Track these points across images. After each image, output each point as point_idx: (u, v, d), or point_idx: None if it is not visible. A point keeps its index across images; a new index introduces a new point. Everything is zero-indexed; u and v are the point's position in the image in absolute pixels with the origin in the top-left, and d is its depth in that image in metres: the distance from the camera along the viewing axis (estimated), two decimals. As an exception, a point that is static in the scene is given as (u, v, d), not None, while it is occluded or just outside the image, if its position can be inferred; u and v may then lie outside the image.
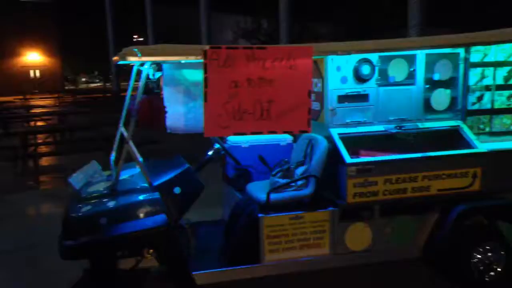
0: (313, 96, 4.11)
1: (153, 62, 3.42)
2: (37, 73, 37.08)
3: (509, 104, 4.03)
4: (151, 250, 3.41)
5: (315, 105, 4.10)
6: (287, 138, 4.58)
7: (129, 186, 3.51)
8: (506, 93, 4.01)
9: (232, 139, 4.52)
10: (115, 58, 3.35)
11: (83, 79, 57.67)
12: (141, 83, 3.37)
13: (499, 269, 3.89)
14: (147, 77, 3.41)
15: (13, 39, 33.60)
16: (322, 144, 3.80)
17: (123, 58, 3.24)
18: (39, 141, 10.70)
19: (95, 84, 52.02)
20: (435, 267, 4.15)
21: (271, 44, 4.23)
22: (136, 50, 3.20)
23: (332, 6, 27.30)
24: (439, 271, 4.12)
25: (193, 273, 3.47)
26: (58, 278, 4.21)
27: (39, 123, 13.04)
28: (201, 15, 18.89)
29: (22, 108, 16.55)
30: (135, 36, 38.01)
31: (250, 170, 4.37)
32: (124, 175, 3.66)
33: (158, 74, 3.48)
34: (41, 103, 22.80)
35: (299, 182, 3.84)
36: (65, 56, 38.20)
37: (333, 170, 3.76)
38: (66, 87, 41.28)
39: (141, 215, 3.30)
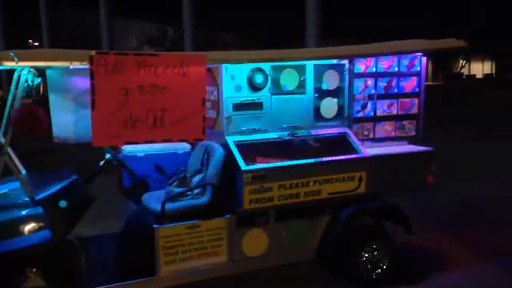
0: (209, 104, 4.14)
1: (33, 68, 3.21)
2: None
3: (389, 112, 4.37)
4: (34, 269, 3.17)
5: (211, 113, 4.12)
6: (184, 146, 4.54)
7: (8, 201, 3.24)
8: (387, 101, 4.35)
9: (128, 148, 4.37)
10: None
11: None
12: (18, 90, 3.15)
13: (385, 267, 4.17)
14: (26, 83, 3.18)
15: None
16: (218, 151, 3.82)
17: None
18: None
19: (-16, 91, 47.63)
20: (327, 267, 4.35)
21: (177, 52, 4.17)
22: (12, 54, 2.98)
23: (238, 16, 27.81)
24: (332, 271, 4.33)
25: (82, 290, 3.29)
26: None
27: None
28: (101, 20, 18.18)
29: None
30: (30, 41, 35.47)
31: (147, 180, 4.26)
32: (3, 189, 3.38)
33: (37, 80, 3.27)
34: None
35: (196, 191, 3.81)
36: None
37: (230, 178, 3.79)
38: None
39: (22, 231, 3.06)
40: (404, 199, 4.38)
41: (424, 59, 4.37)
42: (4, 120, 3.49)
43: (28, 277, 3.20)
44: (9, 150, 3.33)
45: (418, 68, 4.39)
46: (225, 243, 3.76)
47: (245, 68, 3.90)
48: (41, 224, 3.11)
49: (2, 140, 3.22)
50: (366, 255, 4.10)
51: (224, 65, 3.83)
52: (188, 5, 15.43)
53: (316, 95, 4.14)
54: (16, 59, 2.99)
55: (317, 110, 4.16)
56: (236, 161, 3.70)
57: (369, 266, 4.11)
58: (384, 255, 4.16)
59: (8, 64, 3.00)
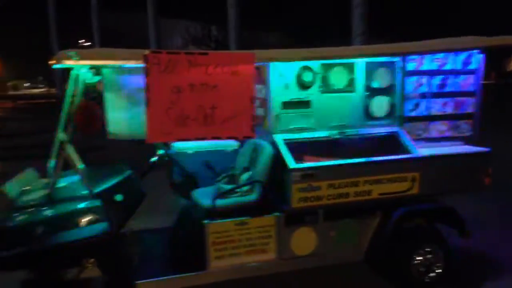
0: (257, 102, 4.16)
1: (91, 66, 3.33)
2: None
3: (444, 111, 4.23)
4: (91, 260, 3.29)
5: (260, 111, 4.14)
6: (233, 144, 4.59)
7: (68, 194, 3.38)
8: (441, 100, 4.22)
9: (178, 145, 4.47)
10: (51, 61, 3.23)
11: (26, 85, 55.33)
12: (78, 88, 3.28)
13: (439, 270, 4.05)
14: (85, 82, 3.31)
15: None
16: (266, 149, 3.83)
17: (59, 62, 3.13)
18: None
19: (39, 90, 50.03)
20: (378, 269, 4.27)
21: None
22: (72, 53, 3.11)
23: (282, 16, 27.79)
24: (382, 274, 4.25)
25: (136, 282, 3.39)
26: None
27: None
28: (149, 20, 18.66)
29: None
30: (81, 41, 36.87)
31: (196, 176, 4.33)
32: (63, 182, 3.53)
33: (96, 78, 3.39)
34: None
35: (245, 188, 3.85)
36: (7, 62, 36.34)
37: (278, 176, 3.79)
38: (11, 93, 39.20)
39: (81, 223, 3.19)
40: (459, 200, 4.22)
41: (481, 56, 4.21)
42: (63, 117, 3.64)
43: (85, 267, 3.33)
44: (69, 146, 3.47)
45: (475, 66, 4.23)
46: (273, 241, 3.77)
47: (293, 67, 3.89)
48: (98, 216, 3.22)
49: (62, 136, 3.35)
50: (419, 258, 3.99)
51: (272, 64, 3.84)
52: (233, 6, 15.56)
53: (367, 93, 4.08)
54: (76, 58, 3.12)
55: (367, 108, 4.09)
56: (284, 159, 3.70)
57: (422, 270, 4.00)
58: (438, 258, 4.03)
59: (68, 63, 3.14)
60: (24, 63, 38.16)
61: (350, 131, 4.05)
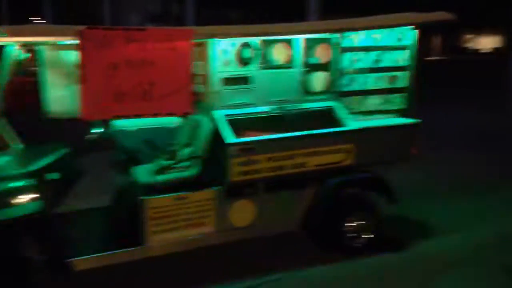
0: (199, 79, 4.19)
1: (22, 43, 3.27)
2: None
3: (379, 86, 4.39)
4: (27, 238, 3.29)
5: (201, 88, 4.17)
6: (175, 120, 4.60)
7: (3, 173, 3.34)
8: (376, 75, 4.37)
9: (119, 123, 4.44)
10: None
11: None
12: (5, 65, 3.22)
13: (368, 236, 4.28)
14: (13, 59, 3.25)
15: None
16: (206, 125, 3.89)
17: None
18: None
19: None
20: (314, 239, 4.45)
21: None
22: (1, 30, 3.04)
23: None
24: (317, 242, 4.43)
25: (71, 259, 3.41)
26: None
27: None
28: (104, -4, 18.11)
29: None
30: (35, 18, 35.36)
31: (138, 154, 4.34)
32: None
33: (26, 56, 3.33)
34: None
35: (184, 163, 3.90)
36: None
37: (219, 150, 3.87)
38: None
39: (14, 202, 3.17)
40: (394, 171, 4.43)
41: (415, 32, 4.35)
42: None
43: (21, 246, 3.32)
44: (5, 124, 3.42)
45: (410, 42, 4.38)
46: (213, 214, 3.86)
47: (233, 43, 3.92)
48: (31, 195, 3.21)
49: None
50: (350, 224, 4.20)
51: (213, 40, 3.86)
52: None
53: (305, 69, 4.17)
54: (5, 35, 3.05)
55: (305, 84, 4.19)
56: (223, 135, 3.77)
57: (352, 235, 4.22)
58: (368, 224, 4.26)
59: None
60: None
61: (289, 106, 4.15)
